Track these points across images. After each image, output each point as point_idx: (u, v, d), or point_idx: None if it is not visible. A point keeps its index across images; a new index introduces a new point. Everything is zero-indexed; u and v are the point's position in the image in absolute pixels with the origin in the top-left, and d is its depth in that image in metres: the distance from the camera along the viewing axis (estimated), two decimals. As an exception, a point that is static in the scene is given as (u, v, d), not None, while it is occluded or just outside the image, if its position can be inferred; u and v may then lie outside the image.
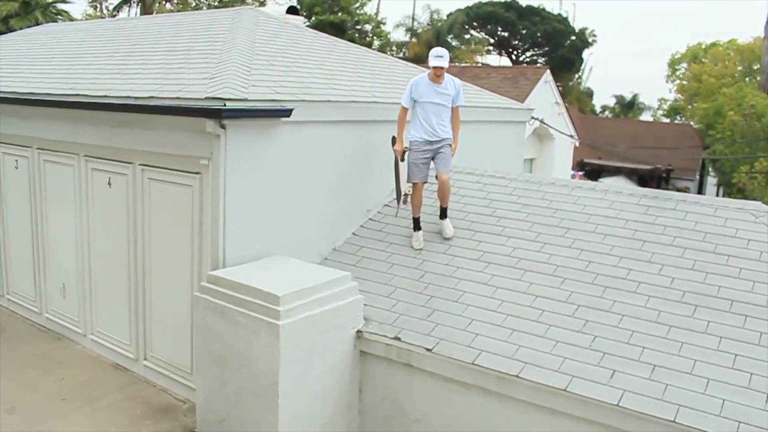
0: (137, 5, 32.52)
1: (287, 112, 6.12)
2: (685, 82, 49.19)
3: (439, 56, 6.82)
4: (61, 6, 29.30)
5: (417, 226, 7.09)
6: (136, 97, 6.36)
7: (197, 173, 6.08)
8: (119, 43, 9.38)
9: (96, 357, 7.40)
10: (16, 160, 8.23)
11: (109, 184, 7.01)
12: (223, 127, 5.71)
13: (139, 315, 6.90)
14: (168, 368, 6.68)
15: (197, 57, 7.38)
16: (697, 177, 33.31)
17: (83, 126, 7.10)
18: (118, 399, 6.50)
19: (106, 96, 6.66)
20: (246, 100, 5.86)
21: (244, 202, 6.07)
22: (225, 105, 5.62)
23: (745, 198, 19.56)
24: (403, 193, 7.28)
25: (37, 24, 21.85)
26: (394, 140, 7.19)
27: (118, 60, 8.32)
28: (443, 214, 7.17)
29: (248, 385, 5.32)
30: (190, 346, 6.27)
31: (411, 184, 7.13)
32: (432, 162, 7.06)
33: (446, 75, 6.97)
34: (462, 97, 7.21)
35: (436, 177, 7.03)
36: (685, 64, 50.44)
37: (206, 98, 5.78)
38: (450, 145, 7.06)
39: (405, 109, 7.02)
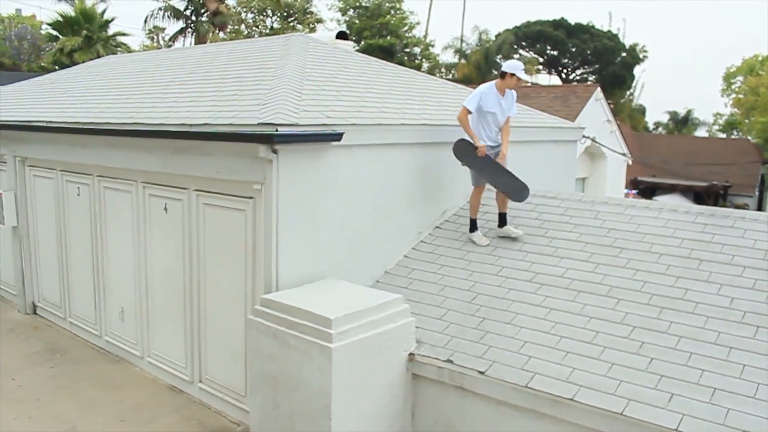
0: (192, 35, 33.51)
1: (338, 136, 6.20)
2: (741, 96, 48.01)
3: (523, 69, 7.26)
4: (120, 39, 30.49)
5: (475, 226, 7.43)
6: (191, 125, 6.53)
7: (250, 198, 6.20)
8: (175, 73, 9.67)
9: (153, 379, 7.56)
10: (78, 188, 8.53)
11: (166, 209, 7.20)
12: (275, 152, 5.81)
13: (194, 338, 7.04)
14: (222, 391, 6.78)
15: (249, 84, 7.55)
16: (757, 193, 32.33)
17: (141, 153, 7.32)
18: (174, 420, 6.62)
19: (162, 124, 6.86)
20: (297, 125, 5.96)
21: (297, 226, 6.16)
22: (277, 130, 5.72)
23: (809, 214, 18.87)
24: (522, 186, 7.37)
25: (99, 56, 22.74)
26: (461, 146, 7.29)
27: (174, 89, 8.57)
28: (504, 221, 7.41)
29: (301, 408, 5.36)
30: (244, 369, 6.36)
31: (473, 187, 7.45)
32: None
33: None
34: (515, 108, 7.56)
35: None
36: (741, 77, 49.26)
37: (258, 124, 5.90)
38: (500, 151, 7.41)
39: (469, 113, 7.17)
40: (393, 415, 5.70)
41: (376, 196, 7.05)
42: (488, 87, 7.29)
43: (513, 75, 7.17)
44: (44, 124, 8.61)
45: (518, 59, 45.44)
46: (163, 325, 7.48)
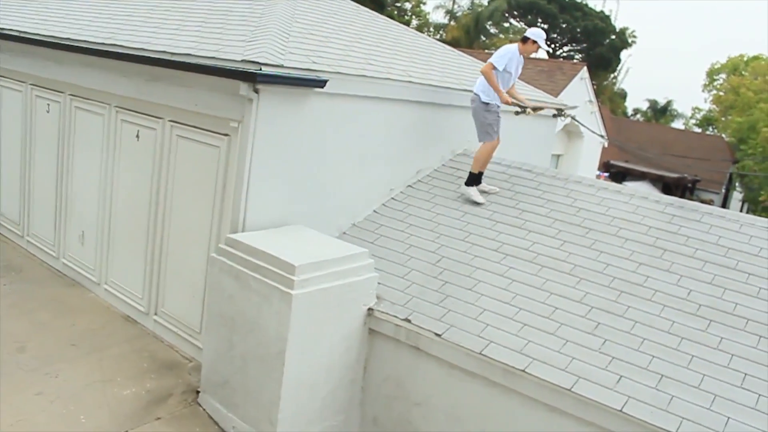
0: (180, -39, 32.47)
1: (322, 83, 6.09)
2: (721, 93, 48.45)
3: (544, 39, 7.48)
4: (104, -46, 29.37)
5: (480, 181, 7.49)
6: (172, 53, 6.37)
7: (226, 135, 6.08)
8: (160, -2, 9.37)
9: (108, 306, 7.48)
10: (48, 105, 8.28)
11: (138, 137, 7.04)
12: (256, 91, 5.69)
13: (154, 270, 6.96)
14: (177, 325, 6.74)
15: (236, 19, 7.36)
16: (723, 191, 32.92)
17: (117, 77, 7.12)
18: (125, 350, 6.58)
19: (143, 49, 6.67)
20: (282, 66, 5.84)
21: (270, 169, 6.08)
22: (261, 69, 5.60)
23: (770, 217, 19.27)
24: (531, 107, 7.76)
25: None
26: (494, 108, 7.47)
27: (158, 14, 8.32)
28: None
29: (255, 351, 5.36)
30: (201, 306, 6.32)
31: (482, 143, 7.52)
32: None
33: None
34: None
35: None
36: (723, 75, 49.66)
37: (242, 61, 5.77)
38: None
39: (494, 69, 7.28)
40: (345, 367, 5.74)
41: (353, 148, 6.98)
42: (514, 49, 7.41)
43: (535, 42, 7.39)
44: (17, 34, 8.31)
45: (508, 27, 45.28)
46: (123, 254, 7.38)
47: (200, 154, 6.38)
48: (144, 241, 7.02)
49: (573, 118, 15.47)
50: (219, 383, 5.72)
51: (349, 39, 7.91)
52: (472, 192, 7.39)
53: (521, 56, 7.49)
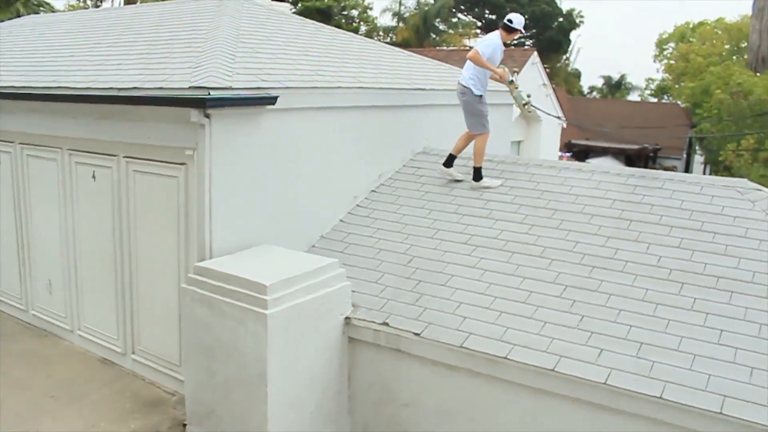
0: (121, -4, 32.25)
1: (272, 100, 6.08)
2: (672, 62, 49.20)
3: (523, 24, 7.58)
4: (43, -2, 29.01)
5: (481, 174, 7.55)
6: (119, 89, 6.31)
7: (182, 164, 6.04)
8: (102, 35, 9.28)
9: (83, 352, 7.36)
10: (-1, 156, 8.16)
11: (94, 177, 6.96)
12: (207, 116, 5.66)
13: (127, 309, 6.88)
14: (156, 361, 6.67)
15: (181, 46, 7.31)
16: (684, 156, 33.34)
17: (66, 119, 7.04)
18: (106, 394, 6.48)
19: (89, 88, 6.60)
20: (230, 88, 5.81)
21: (231, 192, 6.04)
22: (209, 94, 5.58)
23: (732, 175, 19.67)
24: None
25: (18, 16, 21.64)
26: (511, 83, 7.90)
27: (101, 51, 8.23)
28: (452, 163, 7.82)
29: (237, 376, 5.31)
30: (178, 339, 6.26)
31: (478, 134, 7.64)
32: None
33: None
34: None
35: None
36: (672, 44, 50.44)
37: (190, 87, 5.74)
38: None
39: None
40: (329, 379, 5.72)
41: (312, 160, 6.96)
42: (497, 39, 7.47)
43: (517, 30, 7.50)
44: (-40, 89, 8.18)
45: (456, 22, 45.57)
46: (93, 297, 7.28)
47: (159, 186, 6.33)
48: (113, 281, 6.94)
49: (529, 103, 15.59)
50: (205, 413, 5.66)
51: (296, 53, 7.91)
52: (486, 182, 7.45)
53: (502, 44, 7.53)
